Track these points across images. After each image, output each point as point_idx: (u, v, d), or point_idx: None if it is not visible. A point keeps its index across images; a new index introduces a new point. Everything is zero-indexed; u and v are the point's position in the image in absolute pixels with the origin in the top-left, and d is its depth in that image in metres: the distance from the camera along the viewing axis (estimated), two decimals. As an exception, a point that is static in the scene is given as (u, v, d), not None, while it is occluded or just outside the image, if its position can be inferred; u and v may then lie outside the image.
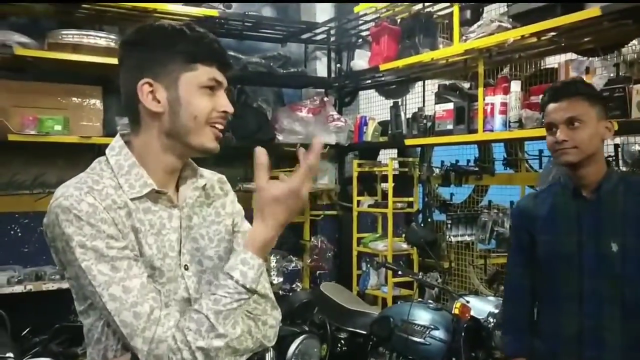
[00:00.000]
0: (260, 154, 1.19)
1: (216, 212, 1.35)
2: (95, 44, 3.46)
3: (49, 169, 3.78)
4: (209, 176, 1.38)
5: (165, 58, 1.21)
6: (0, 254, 3.67)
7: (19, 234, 3.75)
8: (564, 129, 1.93)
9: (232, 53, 4.20)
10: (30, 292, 3.36)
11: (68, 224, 1.13)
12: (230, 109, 1.25)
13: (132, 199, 1.21)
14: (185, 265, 1.26)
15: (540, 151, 3.59)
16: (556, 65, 3.26)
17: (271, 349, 2.74)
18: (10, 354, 2.00)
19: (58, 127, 3.47)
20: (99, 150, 3.98)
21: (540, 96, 2.95)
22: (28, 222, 3.78)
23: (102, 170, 1.23)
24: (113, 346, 1.21)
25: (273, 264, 3.57)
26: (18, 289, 3.33)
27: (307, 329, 3.14)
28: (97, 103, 3.69)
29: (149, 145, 1.24)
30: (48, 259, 3.65)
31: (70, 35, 3.44)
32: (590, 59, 3.06)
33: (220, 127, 1.25)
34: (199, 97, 1.22)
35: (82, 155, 3.73)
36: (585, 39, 3.02)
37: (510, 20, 3.02)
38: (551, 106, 1.99)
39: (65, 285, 3.41)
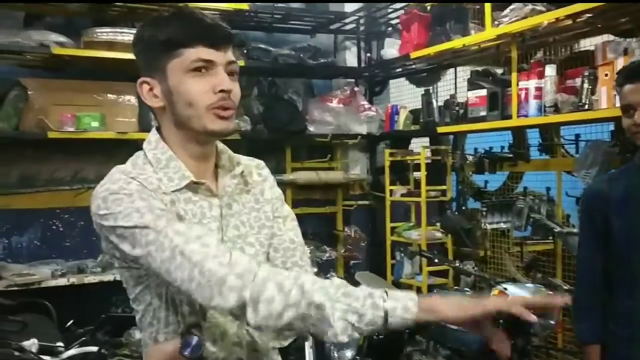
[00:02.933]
0: None
1: (255, 199, 1.35)
2: (129, 41, 3.51)
3: (87, 164, 3.87)
4: (247, 162, 1.38)
5: (152, 52, 1.21)
6: (43, 249, 3.78)
7: (61, 229, 3.85)
8: None
9: (261, 45, 4.24)
10: (73, 285, 3.46)
11: (119, 202, 1.14)
12: (227, 86, 1.19)
13: (173, 192, 1.22)
14: None
15: (577, 136, 3.52)
16: (592, 48, 3.19)
17: (310, 337, 2.77)
18: (60, 343, 2.07)
19: (95, 124, 3.54)
20: (135, 145, 4.01)
21: (578, 80, 2.93)
22: (69, 217, 3.87)
23: (144, 163, 1.25)
24: (163, 329, 1.23)
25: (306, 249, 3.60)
26: (62, 281, 3.43)
27: (344, 317, 3.15)
28: (132, 99, 3.76)
29: (171, 138, 1.26)
30: (89, 253, 3.75)
31: (105, 33, 3.50)
32: (628, 40, 2.99)
33: (224, 107, 1.20)
34: (187, 83, 1.19)
35: (119, 150, 3.81)
36: (623, 20, 2.96)
37: (544, 2, 2.97)
38: (629, 87, 1.92)
39: (106, 278, 3.51)
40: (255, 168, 1.40)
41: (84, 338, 2.22)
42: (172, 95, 1.20)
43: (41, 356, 1.91)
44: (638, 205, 1.97)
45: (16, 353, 1.79)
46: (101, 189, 1.18)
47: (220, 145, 1.33)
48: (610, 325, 2.05)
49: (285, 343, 1.30)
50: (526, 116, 3.15)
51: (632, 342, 1.97)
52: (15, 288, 3.27)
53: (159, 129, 1.29)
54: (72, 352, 2.00)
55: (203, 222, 1.25)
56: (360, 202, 4.70)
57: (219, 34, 1.21)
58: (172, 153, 1.25)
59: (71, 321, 3.00)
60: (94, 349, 1.97)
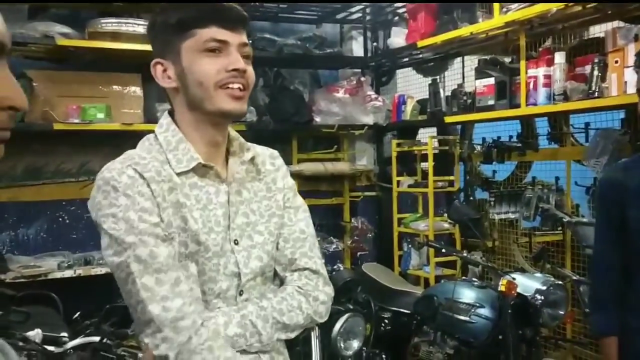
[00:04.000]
0: None
1: (267, 188, 1.34)
2: (133, 32, 3.50)
3: (93, 156, 3.86)
4: (261, 151, 1.38)
5: (166, 34, 1.22)
6: (50, 241, 3.78)
7: (67, 221, 3.86)
8: None
9: (267, 36, 4.21)
10: (80, 277, 3.46)
11: (105, 194, 1.15)
12: (239, 65, 1.20)
13: (180, 174, 1.21)
14: (235, 240, 1.26)
15: (587, 124, 3.48)
16: (602, 35, 3.14)
17: (316, 327, 2.76)
18: (65, 334, 2.08)
19: (100, 115, 3.53)
20: (140, 137, 4.05)
21: (588, 67, 2.89)
22: (75, 209, 3.87)
23: (151, 145, 1.25)
24: None
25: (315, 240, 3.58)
26: (68, 273, 3.44)
27: (351, 307, 3.14)
28: (137, 90, 3.74)
29: (184, 121, 1.26)
30: (96, 245, 3.73)
31: (110, 24, 3.48)
32: (639, 25, 2.94)
33: (235, 85, 1.20)
34: (199, 62, 1.19)
35: (125, 142, 3.78)
36: (633, 5, 2.90)
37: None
38: None
39: (113, 269, 3.51)
40: (269, 157, 1.39)
41: (89, 329, 2.22)
42: (186, 76, 1.21)
43: (45, 346, 1.91)
44: None
45: (20, 343, 1.79)
46: (98, 176, 1.19)
47: (233, 132, 1.33)
48: (627, 318, 2.00)
49: (292, 335, 1.28)
50: (535, 105, 3.11)
51: None
52: (22, 280, 3.28)
53: (171, 113, 1.29)
54: (76, 342, 2.00)
55: (208, 208, 1.23)
56: (367, 193, 4.67)
57: (233, 15, 1.21)
58: (182, 135, 1.24)
59: (78, 313, 3.01)
60: (96, 338, 1.97)
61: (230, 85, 1.20)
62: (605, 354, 2.05)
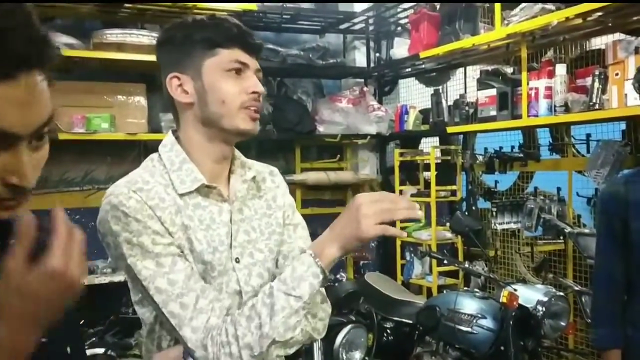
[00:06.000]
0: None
1: (267, 205, 1.36)
2: (138, 42, 3.53)
3: (97, 165, 3.89)
4: (261, 169, 1.40)
5: (187, 49, 1.24)
6: (54, 249, 3.79)
7: (71, 230, 3.87)
8: None
9: (270, 46, 4.23)
10: (83, 286, 3.47)
11: (116, 220, 1.17)
12: (260, 89, 1.25)
13: (183, 195, 1.23)
14: (237, 258, 1.27)
15: (588, 135, 3.50)
16: (602, 47, 3.16)
17: (319, 339, 2.77)
18: (68, 345, 2.08)
19: (105, 125, 3.56)
20: (144, 147, 4.08)
21: (589, 79, 2.91)
22: (79, 218, 3.88)
23: (154, 167, 1.26)
24: (167, 336, 1.23)
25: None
26: (72, 282, 3.45)
27: (353, 318, 3.15)
28: (142, 100, 3.77)
29: (192, 137, 1.27)
30: (100, 254, 3.76)
31: (114, 35, 3.52)
32: (639, 38, 2.96)
33: (254, 108, 1.25)
34: (224, 81, 1.23)
35: (129, 151, 3.84)
36: (634, 18, 2.93)
37: (554, 1, 2.95)
38: None
39: (116, 278, 3.52)
40: (269, 175, 1.42)
41: (93, 339, 2.23)
42: (206, 93, 1.23)
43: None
44: None
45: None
46: (105, 200, 1.20)
47: (235, 151, 1.35)
48: (629, 331, 2.01)
49: (291, 351, 1.29)
50: (536, 116, 3.13)
51: None
52: (27, 289, 3.29)
53: (175, 132, 1.31)
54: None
55: (212, 228, 1.25)
56: (369, 202, 4.67)
57: (253, 41, 1.27)
58: (185, 156, 1.26)
59: (81, 322, 3.03)
60: (101, 350, 1.97)
61: (250, 107, 1.24)
62: None
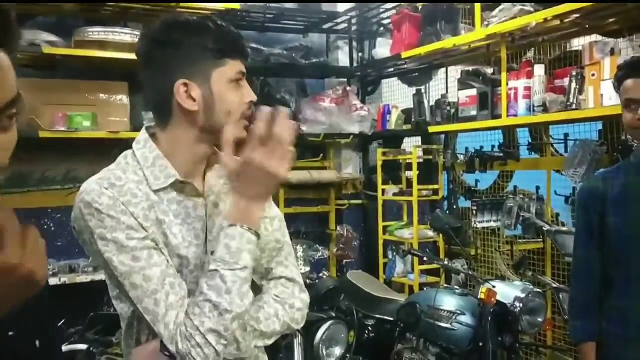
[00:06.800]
0: (227, 132, 1.21)
1: None
2: (120, 41, 3.52)
3: (79, 164, 3.86)
4: None
5: (196, 56, 1.23)
6: (35, 248, 3.77)
7: (52, 228, 3.86)
8: None
9: (254, 45, 4.24)
10: (65, 284, 3.46)
11: (90, 217, 1.17)
12: (254, 97, 1.28)
13: (157, 190, 1.24)
14: (212, 251, 1.28)
15: (566, 135, 3.56)
16: (580, 48, 3.22)
17: (299, 334, 2.78)
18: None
19: (86, 123, 3.54)
20: (126, 145, 4.02)
21: (566, 79, 2.96)
22: (60, 217, 3.87)
23: (127, 164, 1.26)
24: (145, 330, 1.24)
25: (300, 253, 3.62)
26: (52, 281, 3.43)
27: (333, 314, 3.17)
28: (124, 98, 3.76)
29: (180, 138, 1.27)
30: (81, 252, 3.75)
31: (96, 33, 3.50)
32: (616, 40, 3.02)
33: (247, 117, 1.27)
34: (230, 92, 1.25)
35: (111, 149, 3.79)
36: (610, 20, 2.98)
37: (532, 3, 3.00)
38: (631, 82, 1.91)
39: (97, 277, 3.51)
40: None
41: (73, 337, 2.23)
42: (214, 102, 1.24)
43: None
44: (634, 204, 1.97)
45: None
46: (78, 198, 1.21)
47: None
48: (605, 324, 2.05)
49: (269, 341, 1.31)
50: (515, 115, 3.18)
51: (626, 341, 1.98)
52: (7, 287, 3.27)
53: (148, 128, 1.31)
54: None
55: (187, 222, 1.26)
56: (352, 201, 4.72)
57: (247, 50, 1.30)
58: (159, 152, 1.26)
59: (62, 320, 3.01)
60: (83, 346, 1.98)
61: (246, 117, 1.27)
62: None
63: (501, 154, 3.95)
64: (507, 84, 3.21)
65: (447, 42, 3.59)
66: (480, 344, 2.76)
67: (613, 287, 2.05)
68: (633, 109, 1.89)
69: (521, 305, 2.80)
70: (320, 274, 3.86)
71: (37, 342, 0.92)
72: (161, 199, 1.25)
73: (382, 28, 4.61)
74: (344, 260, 4.65)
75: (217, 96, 1.23)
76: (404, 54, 3.91)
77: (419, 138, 4.63)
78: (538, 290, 2.95)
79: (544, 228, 3.49)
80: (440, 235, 4.13)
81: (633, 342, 1.96)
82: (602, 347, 2.06)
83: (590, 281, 2.10)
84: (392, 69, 4.62)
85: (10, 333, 0.79)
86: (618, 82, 1.98)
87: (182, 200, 1.27)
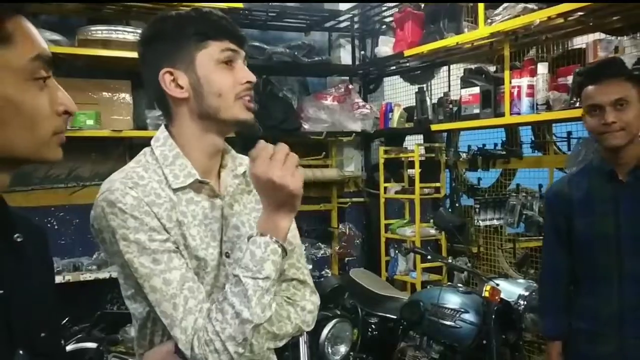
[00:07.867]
0: (258, 146, 1.19)
1: (256, 200, 1.36)
2: (123, 39, 3.52)
3: (82, 162, 3.86)
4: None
5: (177, 43, 1.23)
6: (39, 246, 3.78)
7: (56, 227, 3.86)
8: (612, 111, 1.91)
9: (256, 44, 4.24)
10: (69, 283, 3.47)
11: (113, 217, 1.16)
12: (252, 78, 1.25)
13: (176, 190, 1.23)
14: (227, 252, 1.28)
15: (569, 133, 3.56)
16: (584, 46, 3.22)
17: (305, 333, 2.79)
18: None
19: (90, 122, 3.55)
20: (130, 144, 4.07)
21: (570, 77, 2.96)
22: (64, 215, 3.88)
23: (148, 162, 1.26)
24: (159, 332, 1.24)
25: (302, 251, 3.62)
26: (57, 279, 3.44)
27: (339, 313, 3.18)
28: (127, 97, 3.77)
29: (186, 131, 1.27)
30: (84, 251, 3.76)
31: (99, 32, 3.51)
32: (619, 38, 3.02)
33: (248, 97, 1.26)
34: (217, 73, 1.23)
35: (114, 148, 3.83)
36: (614, 18, 2.98)
37: (536, 1, 3.00)
38: (593, 88, 1.96)
39: (102, 275, 3.52)
40: None
41: (79, 335, 2.23)
42: (202, 86, 1.23)
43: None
44: (597, 205, 2.04)
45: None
46: (100, 197, 1.19)
47: (226, 145, 1.35)
48: (574, 322, 2.13)
49: (281, 344, 1.32)
50: (519, 114, 3.18)
51: (594, 337, 2.05)
52: (11, 286, 3.27)
53: (167, 127, 1.30)
54: (69, 348, 2.01)
55: (204, 223, 1.26)
56: (354, 200, 4.72)
57: (239, 32, 1.27)
58: (179, 150, 1.26)
59: (67, 319, 3.02)
60: (93, 345, 1.98)
61: (245, 97, 1.25)
62: (549, 354, 2.19)
63: (504, 152, 3.96)
64: (510, 82, 3.21)
65: (450, 40, 3.59)
66: (484, 341, 2.77)
67: (581, 285, 2.13)
68: (597, 114, 1.95)
69: (525, 303, 2.82)
70: (323, 272, 3.88)
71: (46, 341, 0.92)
72: (180, 200, 1.24)
73: (384, 26, 4.61)
74: (346, 259, 4.66)
75: (204, 79, 1.22)
76: (407, 53, 3.91)
77: (421, 136, 4.64)
78: (541, 288, 2.95)
79: (546, 226, 3.49)
80: (443, 233, 4.14)
81: (601, 337, 2.03)
82: (571, 344, 2.14)
83: (558, 280, 2.19)
84: (394, 67, 4.62)
85: (42, 334, 0.80)
86: (578, 89, 2.03)
87: (199, 200, 1.26)
